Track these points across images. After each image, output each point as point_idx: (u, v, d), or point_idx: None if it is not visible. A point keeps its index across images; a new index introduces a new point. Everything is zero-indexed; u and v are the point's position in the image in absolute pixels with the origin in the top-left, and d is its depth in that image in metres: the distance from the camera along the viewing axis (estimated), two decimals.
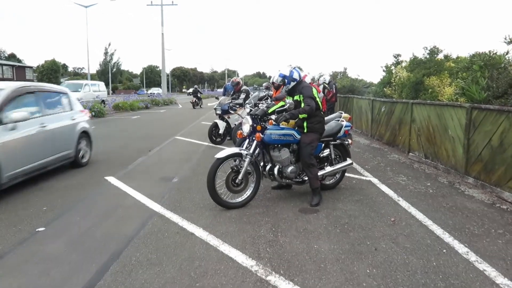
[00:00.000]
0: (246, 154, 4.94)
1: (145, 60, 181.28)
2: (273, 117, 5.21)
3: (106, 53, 79.03)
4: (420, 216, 4.63)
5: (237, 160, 4.99)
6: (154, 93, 36.14)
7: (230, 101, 10.30)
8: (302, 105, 5.15)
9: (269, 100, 8.88)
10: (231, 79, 12.05)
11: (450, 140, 6.81)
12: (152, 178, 6.61)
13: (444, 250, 3.67)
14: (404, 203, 5.14)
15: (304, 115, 5.12)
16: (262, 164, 5.29)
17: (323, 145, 5.60)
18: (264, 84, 13.11)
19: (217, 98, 11.85)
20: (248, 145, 5.35)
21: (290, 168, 5.17)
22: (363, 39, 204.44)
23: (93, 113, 19.02)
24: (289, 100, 5.23)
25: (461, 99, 7.11)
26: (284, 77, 5.30)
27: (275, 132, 5.11)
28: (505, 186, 5.30)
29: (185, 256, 3.61)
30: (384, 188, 5.92)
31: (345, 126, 5.79)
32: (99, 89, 25.25)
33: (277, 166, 5.17)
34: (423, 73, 9.62)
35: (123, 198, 5.45)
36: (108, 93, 43.26)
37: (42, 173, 6.59)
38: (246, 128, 5.15)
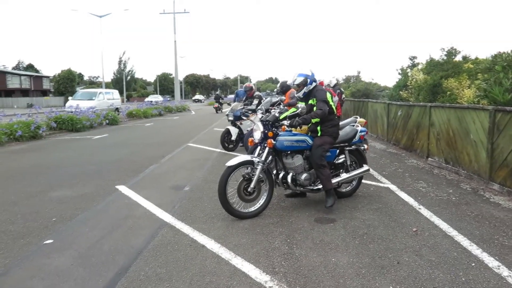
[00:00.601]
0: (258, 162, 4.77)
1: (159, 68, 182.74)
2: (286, 122, 5.04)
3: (120, 62, 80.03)
4: (444, 225, 4.37)
5: (249, 168, 4.82)
6: (152, 101, 31.86)
7: (243, 107, 10.16)
8: (315, 109, 4.97)
9: (281, 106, 8.72)
10: (244, 85, 11.92)
11: (472, 145, 6.51)
12: (163, 187, 6.48)
13: (473, 264, 3.41)
14: (425, 212, 4.88)
15: (317, 120, 4.95)
16: (275, 172, 5.11)
17: (337, 151, 5.40)
18: (275, 90, 12.99)
19: (229, 104, 11.71)
20: (260, 152, 5.19)
21: (304, 176, 4.98)
22: (377, 42, 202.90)
23: (107, 121, 19.14)
24: (301, 104, 5.05)
25: (483, 101, 6.81)
26: (306, 76, 5.11)
27: (287, 139, 4.95)
28: None
29: (196, 270, 3.43)
30: (403, 195, 5.66)
31: (360, 131, 5.59)
32: (113, 97, 25.45)
33: (291, 174, 5.00)
34: (440, 75, 9.31)
35: (133, 208, 5.32)
36: (123, 101, 43.65)
37: (52, 183, 6.52)
38: (257, 135, 4.99)
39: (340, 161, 5.47)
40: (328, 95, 5.11)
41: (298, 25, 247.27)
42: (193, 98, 64.92)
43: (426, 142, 8.40)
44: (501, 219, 4.56)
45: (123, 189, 6.33)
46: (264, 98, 10.99)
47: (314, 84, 5.17)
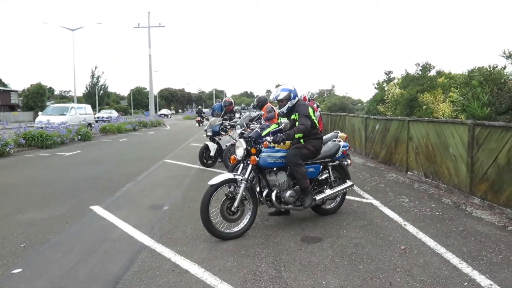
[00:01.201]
0: (241, 179, 4.62)
1: (133, 82, 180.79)
2: (269, 138, 4.93)
3: (92, 76, 78.48)
4: (431, 242, 4.31)
5: (232, 186, 4.65)
6: (103, 117, 26.04)
7: (221, 122, 10.00)
8: (298, 124, 4.89)
9: (262, 121, 8.62)
10: (224, 99, 11.78)
11: (452, 159, 6.57)
12: (140, 207, 6.20)
13: (466, 283, 3.34)
14: (411, 228, 4.83)
15: (300, 135, 4.90)
16: (258, 189, 4.96)
17: (321, 167, 5.29)
18: (252, 104, 12.92)
19: (207, 119, 11.56)
20: (242, 170, 5.04)
21: (288, 193, 4.86)
22: (350, 57, 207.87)
23: (79, 137, 18.54)
24: (284, 120, 4.97)
25: (460, 115, 6.92)
26: (290, 91, 5.06)
27: (270, 155, 4.84)
28: None
29: None
30: (387, 211, 5.61)
31: (343, 146, 5.53)
32: (86, 112, 24.80)
33: (275, 191, 4.85)
34: (416, 90, 9.48)
35: (109, 230, 5.03)
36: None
37: (20, 204, 6.16)
38: (240, 152, 4.84)
39: (323, 177, 5.38)
40: (310, 110, 5.07)
41: (272, 39, 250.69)
42: (159, 113, 62.66)
43: (405, 156, 8.46)
44: (486, 234, 4.55)
45: (98, 209, 6.01)
46: (242, 113, 10.88)
47: (296, 99, 5.12)
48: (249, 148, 4.79)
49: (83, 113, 24.03)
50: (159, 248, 4.34)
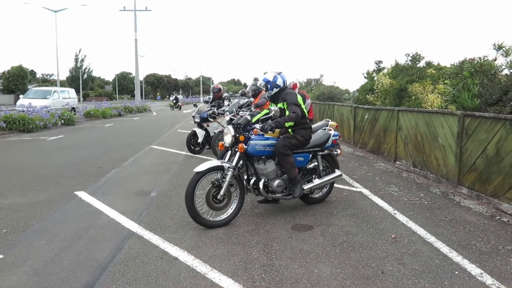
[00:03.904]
0: (229, 167, 4.51)
1: (118, 67, 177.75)
2: (258, 126, 4.83)
3: (76, 59, 76.78)
4: (421, 231, 4.32)
5: (219, 174, 4.55)
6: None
7: (209, 108, 9.86)
8: (287, 113, 4.80)
9: (252, 108, 8.51)
10: (212, 85, 11.59)
11: (441, 149, 6.60)
12: (127, 193, 6.07)
13: (457, 272, 3.35)
14: (401, 217, 4.83)
15: (291, 123, 4.79)
16: (246, 177, 4.87)
17: (310, 156, 5.22)
18: (240, 92, 12.77)
19: (195, 105, 11.39)
20: (230, 157, 4.95)
21: (276, 182, 4.79)
22: (339, 45, 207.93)
23: (62, 121, 18.14)
24: (274, 107, 4.86)
25: (450, 106, 6.93)
26: (267, 82, 4.96)
27: (259, 143, 4.73)
28: (503, 197, 5.08)
29: (170, 286, 3.14)
30: (377, 200, 5.61)
31: (333, 136, 5.44)
32: (69, 96, 24.22)
33: (263, 180, 4.78)
34: (406, 80, 9.48)
35: (95, 217, 4.90)
36: (79, 100, 41.78)
37: (1, 189, 5.97)
38: (228, 139, 4.71)
39: (312, 166, 5.31)
40: (299, 98, 4.97)
41: (261, 26, 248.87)
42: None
43: (393, 146, 8.49)
44: (475, 224, 4.59)
45: (83, 195, 5.86)
46: (231, 100, 10.74)
47: (275, 90, 4.98)
48: (237, 135, 4.68)
49: (66, 97, 23.46)
50: (147, 235, 4.24)
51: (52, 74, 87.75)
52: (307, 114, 5.17)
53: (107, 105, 29.08)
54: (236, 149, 4.67)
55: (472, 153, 5.76)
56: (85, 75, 78.92)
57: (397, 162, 8.22)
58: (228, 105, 9.61)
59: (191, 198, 4.27)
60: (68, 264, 3.57)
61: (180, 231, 4.37)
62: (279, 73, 5.05)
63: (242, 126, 4.77)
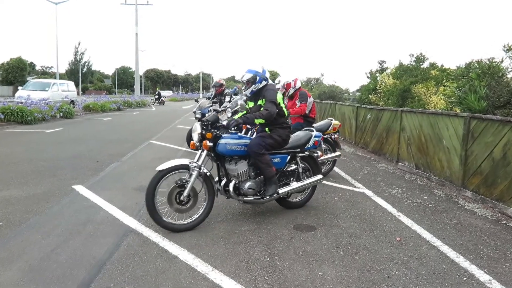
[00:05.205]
0: (194, 166, 4.22)
1: (118, 61, 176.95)
2: (224, 123, 4.42)
3: (76, 52, 76.42)
4: (426, 235, 4.23)
5: (187, 173, 4.25)
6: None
7: (211, 104, 9.74)
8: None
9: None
10: (215, 80, 11.47)
11: (445, 151, 6.51)
12: (126, 188, 5.96)
13: (465, 278, 3.26)
14: (405, 219, 4.74)
15: (261, 121, 4.50)
16: (217, 179, 4.57)
17: (288, 157, 4.85)
18: (235, 88, 12.63)
19: (196, 100, 11.25)
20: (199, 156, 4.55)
21: (247, 184, 4.45)
22: (339, 45, 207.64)
23: (61, 114, 17.99)
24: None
25: (456, 108, 6.84)
26: (256, 73, 4.60)
27: (231, 142, 4.40)
28: (509, 202, 4.99)
29: (169, 286, 3.04)
30: (380, 201, 5.52)
31: (315, 136, 5.07)
32: (68, 88, 24.02)
33: (233, 181, 4.45)
34: (410, 81, 9.38)
35: (93, 212, 4.80)
36: (78, 94, 41.54)
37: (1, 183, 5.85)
38: (195, 137, 4.41)
39: (291, 168, 4.97)
40: (279, 96, 4.65)
41: (262, 24, 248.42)
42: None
43: (396, 147, 8.40)
44: (481, 228, 4.50)
45: (81, 189, 5.75)
46: (233, 97, 10.63)
47: (264, 82, 4.66)
48: (203, 132, 4.36)
49: (65, 89, 23.27)
50: (146, 232, 4.14)
51: (52, 67, 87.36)
52: (287, 113, 4.80)
53: (106, 99, 28.93)
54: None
55: (478, 156, 5.67)
56: (85, 69, 78.58)
57: (399, 163, 8.13)
58: (229, 101, 9.50)
59: (152, 198, 4.01)
60: (65, 260, 3.46)
61: None
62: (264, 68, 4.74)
63: (210, 122, 4.44)
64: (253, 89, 4.65)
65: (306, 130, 5.22)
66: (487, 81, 6.07)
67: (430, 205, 5.42)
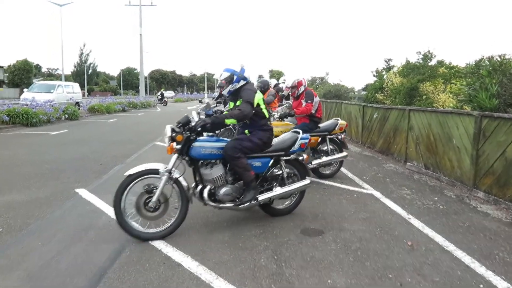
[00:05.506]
0: (164, 171, 3.98)
1: (123, 62, 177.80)
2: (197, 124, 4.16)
3: (81, 54, 76.70)
4: (439, 238, 4.08)
5: (158, 179, 4.00)
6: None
7: (215, 104, 9.64)
8: None
9: None
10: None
11: (455, 150, 6.34)
12: None
13: (481, 286, 3.11)
14: (416, 222, 4.59)
15: (232, 121, 4.18)
16: (194, 184, 4.30)
17: (271, 161, 4.51)
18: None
19: (200, 101, 11.11)
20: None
21: (223, 190, 4.17)
22: (344, 43, 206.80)
23: (66, 116, 17.99)
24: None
25: (466, 106, 6.66)
26: (233, 72, 4.37)
27: (205, 145, 4.14)
28: None
29: None
30: (389, 203, 5.37)
31: (301, 139, 4.72)
32: (73, 90, 24.04)
33: (208, 187, 4.17)
34: (418, 79, 9.20)
35: (95, 216, 4.70)
36: (84, 95, 41.67)
37: (1, 185, 5.77)
38: (166, 141, 4.14)
39: (274, 173, 4.64)
40: (257, 97, 4.32)
41: (266, 23, 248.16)
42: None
43: (404, 146, 8.23)
44: (495, 231, 4.33)
45: (83, 193, 5.66)
46: None
47: (242, 82, 4.40)
48: (173, 135, 4.09)
49: (70, 91, 23.29)
50: None
51: (58, 69, 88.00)
52: (267, 115, 4.52)
53: (111, 100, 28.95)
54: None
55: (490, 156, 5.51)
56: (90, 70, 78.86)
57: (407, 163, 7.96)
58: None
59: (119, 205, 3.83)
60: (65, 268, 3.36)
61: (184, 234, 4.15)
62: (243, 66, 4.47)
63: (180, 125, 4.19)
64: (230, 89, 4.42)
65: (293, 132, 4.93)
66: (499, 78, 5.88)
67: (441, 206, 5.26)
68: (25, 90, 23.72)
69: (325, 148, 6.77)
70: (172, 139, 4.08)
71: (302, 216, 4.76)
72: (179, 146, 4.07)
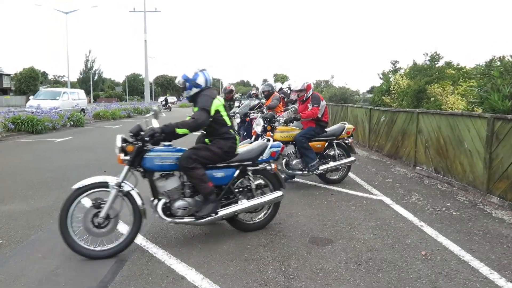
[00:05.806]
0: (114, 184, 3.72)
1: (128, 68, 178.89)
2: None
3: (86, 61, 77.27)
4: (454, 247, 3.90)
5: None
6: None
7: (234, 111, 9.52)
8: None
9: (264, 110, 8.14)
10: (224, 86, 11.23)
11: (467, 154, 6.15)
12: None
13: None
14: (429, 230, 4.41)
15: (185, 131, 3.84)
16: (152, 198, 4.01)
17: (237, 171, 4.20)
18: (249, 93, 12.42)
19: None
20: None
21: (177, 204, 3.89)
22: (349, 46, 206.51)
23: (71, 122, 17.98)
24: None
25: (477, 108, 6.48)
26: (186, 79, 4.08)
27: (160, 155, 3.86)
28: None
29: None
30: (400, 209, 5.20)
31: (272, 147, 4.38)
32: (79, 97, 24.11)
33: (162, 201, 3.91)
34: (425, 81, 9.02)
35: None
36: (89, 102, 41.88)
37: (2, 194, 5.67)
38: (116, 151, 3.93)
39: (242, 184, 4.35)
40: (216, 103, 4.01)
41: (270, 28, 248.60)
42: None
43: (413, 150, 8.04)
44: None
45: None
46: (242, 102, 10.39)
47: (195, 89, 4.09)
48: (124, 145, 3.81)
49: (76, 98, 23.35)
50: (152, 249, 3.89)
51: (64, 76, 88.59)
52: (229, 123, 4.19)
53: (116, 107, 28.97)
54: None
55: (504, 159, 5.32)
56: (96, 77, 79.35)
57: (417, 167, 7.77)
58: (239, 106, 9.27)
59: (64, 220, 3.59)
60: (65, 282, 3.24)
61: (188, 245, 4.01)
62: (202, 71, 4.16)
63: (131, 134, 3.87)
64: (186, 96, 4.20)
65: (263, 140, 4.67)
66: (511, 79, 5.70)
67: (454, 213, 5.08)
68: (31, 97, 23.83)
69: (332, 153, 6.62)
70: (123, 149, 3.81)
71: (310, 225, 4.61)
72: (127, 157, 3.80)
